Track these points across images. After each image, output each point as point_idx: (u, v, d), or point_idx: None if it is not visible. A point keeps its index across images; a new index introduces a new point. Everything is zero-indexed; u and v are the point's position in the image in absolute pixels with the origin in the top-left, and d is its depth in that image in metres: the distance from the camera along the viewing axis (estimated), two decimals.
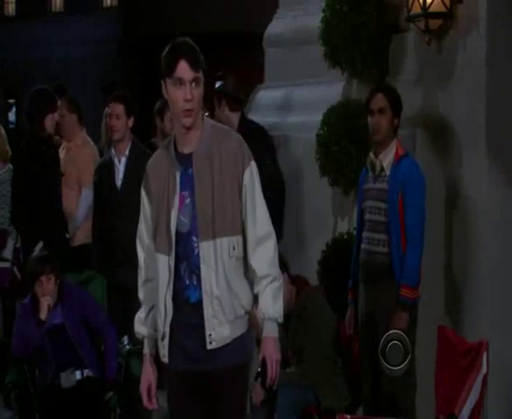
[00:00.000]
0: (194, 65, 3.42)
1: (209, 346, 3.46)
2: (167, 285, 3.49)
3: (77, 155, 6.47)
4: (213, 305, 3.45)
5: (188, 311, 3.49)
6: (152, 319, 3.62)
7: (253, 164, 3.52)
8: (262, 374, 3.52)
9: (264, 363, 3.49)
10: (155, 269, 3.56)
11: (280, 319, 3.57)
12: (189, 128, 3.47)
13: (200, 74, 3.45)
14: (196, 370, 3.51)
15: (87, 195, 6.33)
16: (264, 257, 3.51)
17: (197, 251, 3.46)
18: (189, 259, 3.47)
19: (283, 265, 4.95)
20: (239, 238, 3.50)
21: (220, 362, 3.49)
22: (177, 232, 3.48)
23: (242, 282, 3.52)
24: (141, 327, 3.67)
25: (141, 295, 3.66)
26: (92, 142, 6.87)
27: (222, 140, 3.51)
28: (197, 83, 3.44)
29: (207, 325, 3.46)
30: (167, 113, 6.21)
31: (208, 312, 3.45)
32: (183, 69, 3.41)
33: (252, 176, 3.51)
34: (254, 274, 3.52)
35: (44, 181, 5.97)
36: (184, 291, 3.49)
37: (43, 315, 5.03)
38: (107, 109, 6.81)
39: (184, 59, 3.41)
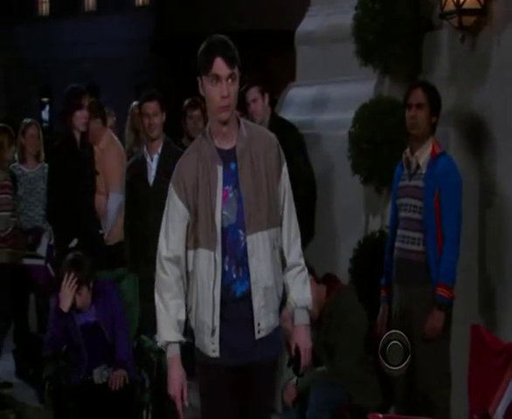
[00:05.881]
0: (230, 62, 3.46)
1: (257, 336, 3.52)
2: (213, 279, 3.49)
3: (102, 160, 6.48)
4: (261, 295, 3.51)
5: (232, 306, 3.52)
6: (181, 322, 3.57)
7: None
8: (296, 361, 3.61)
9: (297, 351, 3.59)
10: (189, 266, 3.56)
11: (310, 307, 3.68)
12: (225, 123, 3.51)
13: (236, 70, 3.49)
14: (240, 364, 3.54)
15: (116, 199, 6.37)
16: (297, 247, 3.65)
17: (243, 244, 3.50)
18: (235, 253, 3.51)
19: (308, 268, 4.95)
20: (279, 230, 3.59)
21: (265, 352, 3.55)
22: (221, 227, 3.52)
23: (280, 273, 3.61)
24: (174, 333, 3.53)
25: (176, 293, 3.54)
26: (117, 141, 6.89)
27: (257, 137, 3.59)
28: (233, 79, 3.48)
29: (256, 315, 3.51)
30: (188, 113, 6.40)
31: (256, 302, 3.51)
32: (219, 66, 3.45)
33: (286, 171, 3.63)
34: (285, 262, 3.62)
35: (80, 179, 6.02)
36: (231, 286, 3.52)
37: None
38: (131, 110, 6.88)
39: (220, 56, 3.45)
